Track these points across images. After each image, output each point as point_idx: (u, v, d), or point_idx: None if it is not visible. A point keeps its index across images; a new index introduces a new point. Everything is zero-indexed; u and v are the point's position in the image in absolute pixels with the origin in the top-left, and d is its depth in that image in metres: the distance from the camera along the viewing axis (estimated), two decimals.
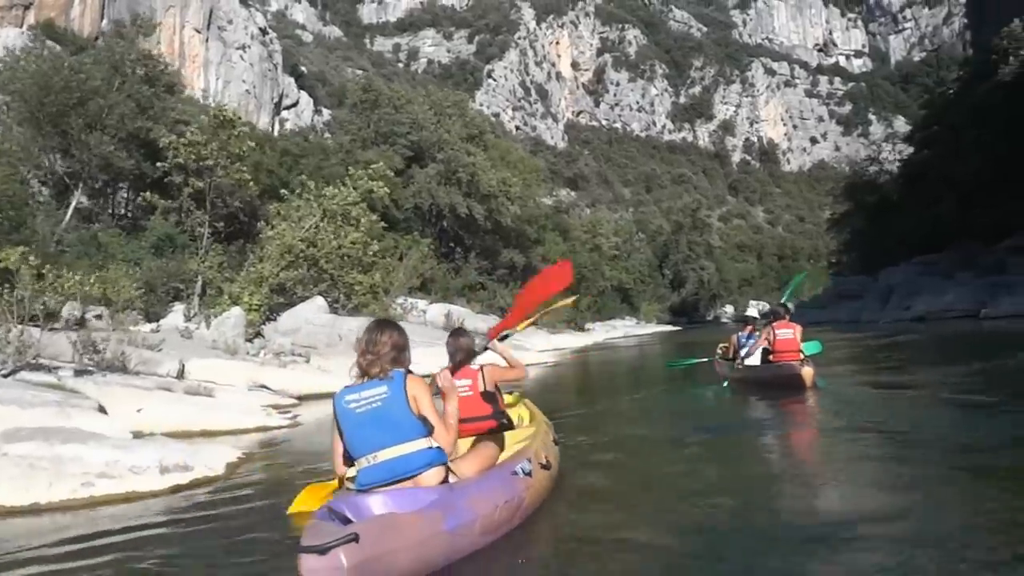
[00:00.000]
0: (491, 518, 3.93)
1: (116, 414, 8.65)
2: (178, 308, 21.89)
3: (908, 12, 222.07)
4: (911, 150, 67.62)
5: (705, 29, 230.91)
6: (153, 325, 19.76)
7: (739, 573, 3.54)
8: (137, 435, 8.03)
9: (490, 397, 5.53)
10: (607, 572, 3.68)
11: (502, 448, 4.94)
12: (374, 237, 26.24)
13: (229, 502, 5.62)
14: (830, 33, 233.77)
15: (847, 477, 5.43)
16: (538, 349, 27.51)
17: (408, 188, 44.29)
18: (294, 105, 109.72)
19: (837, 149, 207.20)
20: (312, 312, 21.35)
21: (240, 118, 27.65)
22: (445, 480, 3.99)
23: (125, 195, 30.82)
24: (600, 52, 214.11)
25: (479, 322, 31.00)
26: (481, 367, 5.56)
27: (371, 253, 25.21)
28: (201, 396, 10.60)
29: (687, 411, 10.29)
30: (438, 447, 3.98)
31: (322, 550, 3.08)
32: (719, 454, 6.83)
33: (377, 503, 3.58)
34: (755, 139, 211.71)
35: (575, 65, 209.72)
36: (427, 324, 25.22)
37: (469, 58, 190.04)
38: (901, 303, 34.79)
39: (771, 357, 11.09)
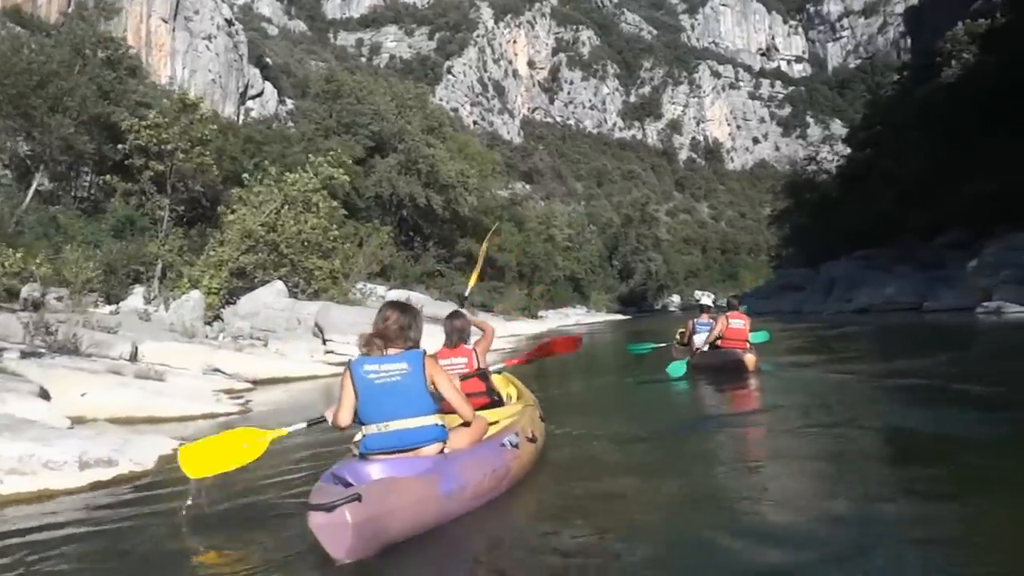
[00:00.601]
0: (481, 485, 4.14)
1: (59, 398, 7.87)
2: (138, 291, 21.05)
3: (845, 21, 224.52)
4: (848, 150, 68.15)
5: (655, 32, 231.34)
6: (113, 307, 18.97)
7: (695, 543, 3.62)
8: (78, 421, 7.31)
9: (483, 375, 5.79)
10: (583, 535, 3.84)
11: (492, 422, 5.09)
12: (334, 223, 25.41)
13: (148, 502, 4.88)
14: (773, 39, 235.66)
15: (786, 456, 5.64)
16: (495, 335, 26.87)
17: (369, 177, 43.50)
18: (259, 95, 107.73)
19: (777, 149, 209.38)
20: (271, 296, 20.56)
21: (203, 100, 26.67)
22: (441, 452, 4.16)
23: (88, 178, 29.63)
24: (555, 52, 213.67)
25: (438, 308, 30.43)
26: (474, 347, 5.85)
27: (331, 239, 24.41)
28: (151, 380, 9.83)
29: (647, 393, 10.52)
30: (442, 424, 4.18)
31: (329, 508, 3.29)
32: (678, 434, 6.95)
33: (376, 470, 3.79)
34: (701, 138, 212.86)
35: (531, 64, 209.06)
36: None
37: (430, 54, 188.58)
38: (843, 295, 34.48)
39: (719, 343, 11.56)
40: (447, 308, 32.72)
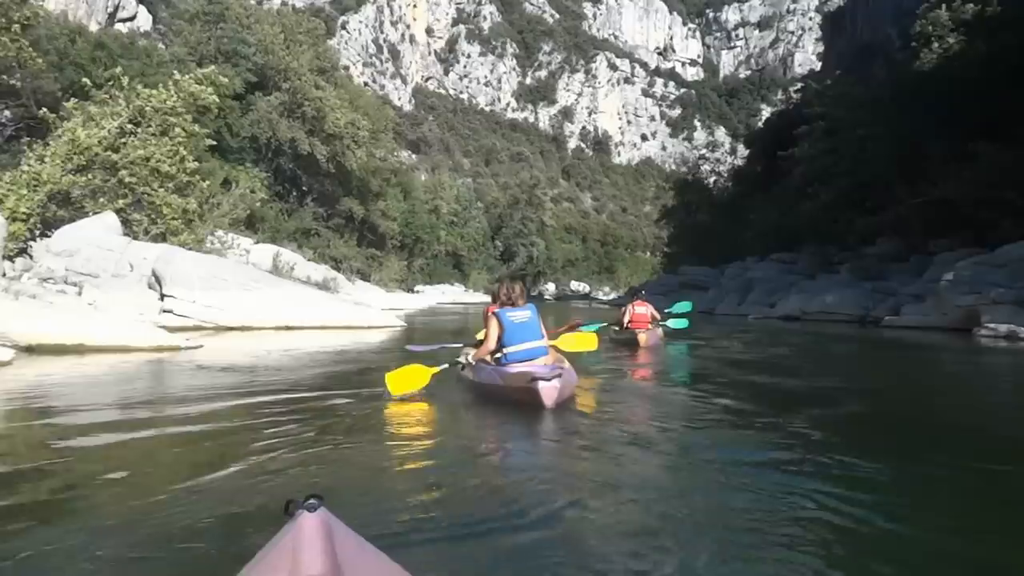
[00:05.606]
0: (574, 386, 6.94)
1: None
2: None
3: (741, 31, 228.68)
4: (732, 156, 66.96)
5: (557, 16, 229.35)
6: None
7: None
8: None
9: None
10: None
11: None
12: (194, 153, 20.80)
13: None
14: (671, 39, 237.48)
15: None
16: (381, 307, 22.90)
17: (247, 116, 38.57)
18: (131, 19, 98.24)
19: (664, 149, 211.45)
20: (99, 232, 16.01)
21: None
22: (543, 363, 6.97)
23: None
24: (455, 22, 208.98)
25: (311, 270, 26.49)
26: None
27: (188, 171, 19.83)
28: None
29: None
30: (546, 346, 7.32)
31: (549, 378, 5.98)
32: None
33: (550, 362, 7.01)
34: (591, 128, 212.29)
35: (429, 31, 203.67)
36: (249, 264, 20.08)
37: (324, 6, 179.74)
38: (765, 299, 31.83)
39: (628, 325, 14.74)
40: (320, 271, 28.73)
